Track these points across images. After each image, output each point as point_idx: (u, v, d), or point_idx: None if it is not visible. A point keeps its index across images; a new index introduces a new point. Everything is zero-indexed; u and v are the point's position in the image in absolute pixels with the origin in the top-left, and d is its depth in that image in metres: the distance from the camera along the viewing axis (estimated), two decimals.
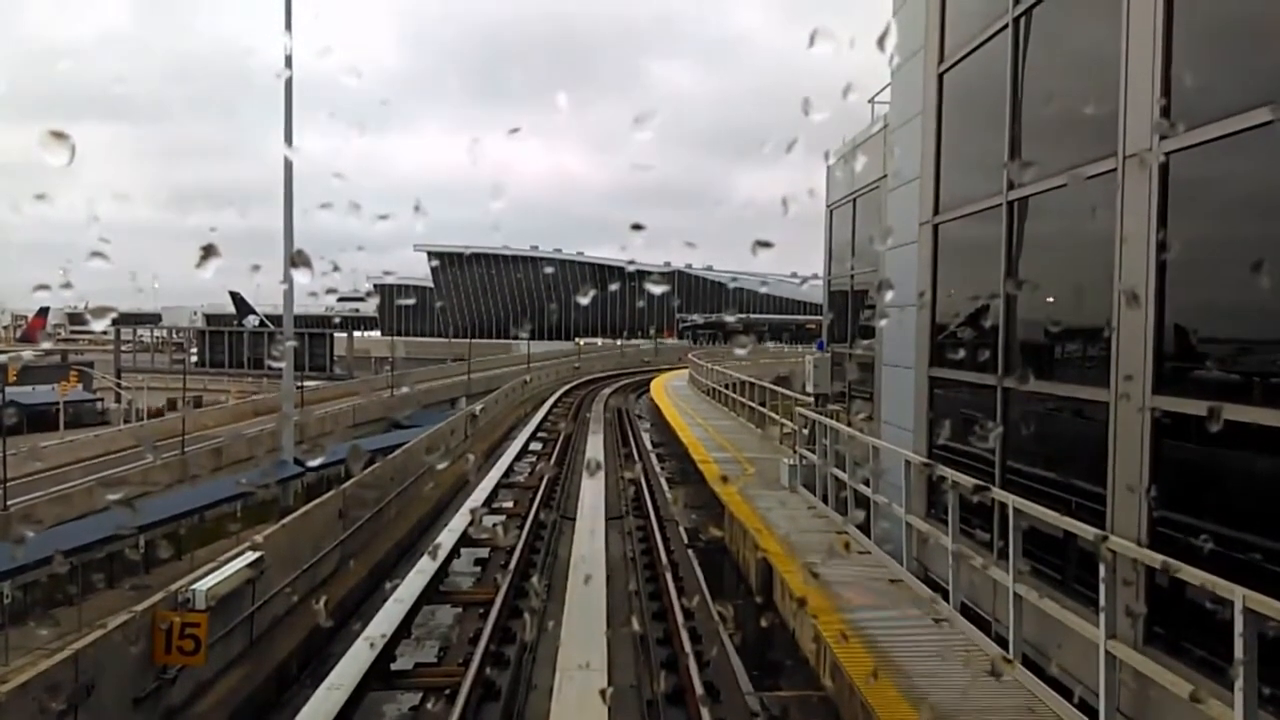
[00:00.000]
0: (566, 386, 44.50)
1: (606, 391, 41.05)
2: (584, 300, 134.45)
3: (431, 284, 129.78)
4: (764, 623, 8.91)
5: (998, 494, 6.44)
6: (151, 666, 6.52)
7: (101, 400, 71.71)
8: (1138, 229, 5.25)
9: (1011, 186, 6.99)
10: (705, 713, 7.40)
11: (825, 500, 11.07)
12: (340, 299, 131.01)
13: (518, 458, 20.83)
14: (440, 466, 16.46)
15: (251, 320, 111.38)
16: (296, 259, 3.24)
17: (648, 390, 37.57)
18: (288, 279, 33.55)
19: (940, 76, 8.66)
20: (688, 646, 8.69)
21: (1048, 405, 6.73)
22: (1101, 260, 5.64)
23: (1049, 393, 6.59)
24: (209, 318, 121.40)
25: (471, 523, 12.24)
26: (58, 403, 58.72)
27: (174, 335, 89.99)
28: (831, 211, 16.07)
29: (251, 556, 7.68)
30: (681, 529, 13.78)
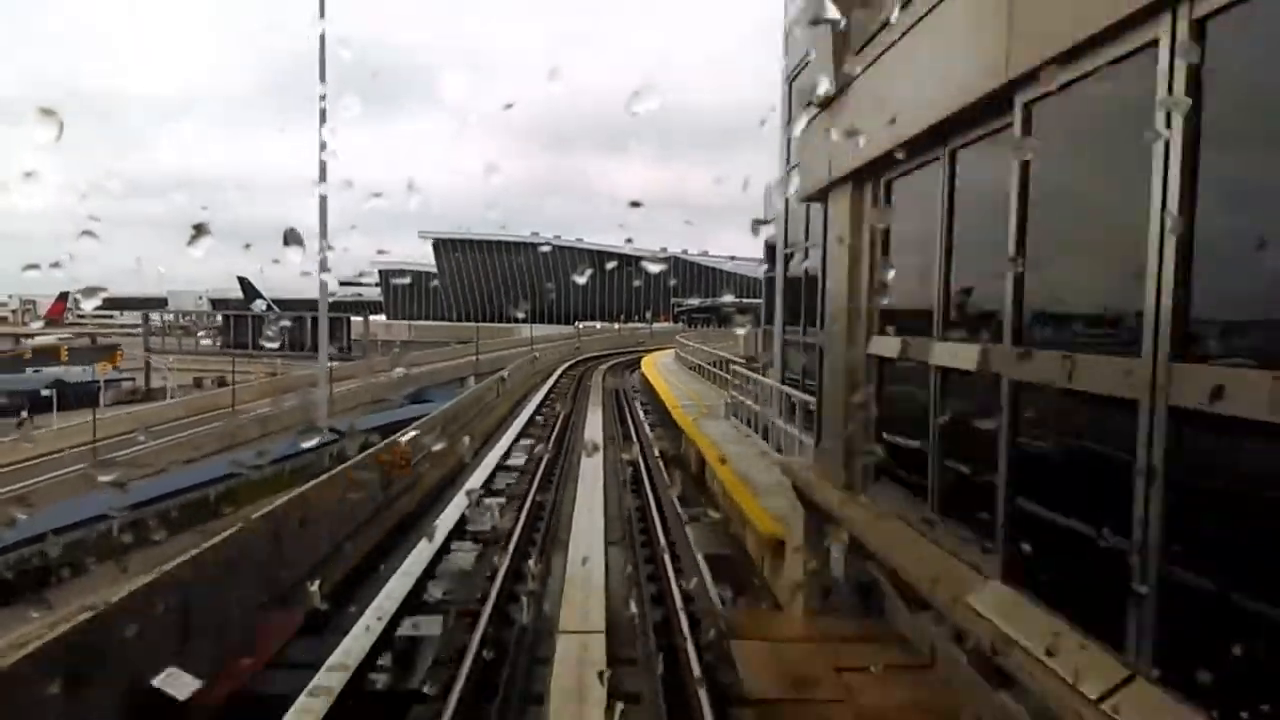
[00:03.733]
0: (569, 363, 51.20)
1: (604, 367, 47.77)
2: (581, 280, 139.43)
3: (435, 269, 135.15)
4: (695, 483, 15.74)
5: (790, 391, 13.14)
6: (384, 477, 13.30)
7: (133, 379, 78.72)
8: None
9: None
10: (657, 519, 14.18)
11: (741, 419, 17.86)
12: (342, 283, 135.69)
13: (537, 410, 27.71)
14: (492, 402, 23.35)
15: (259, 304, 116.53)
16: (288, 237, 3.25)
17: (639, 367, 44.29)
18: (323, 268, 40.38)
19: None
20: (650, 495, 15.52)
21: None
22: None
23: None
24: (214, 302, 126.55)
25: (518, 435, 19.19)
26: (98, 381, 65.86)
27: (203, 319, 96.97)
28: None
29: (414, 432, 14.39)
30: (655, 449, 20.59)
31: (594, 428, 22.59)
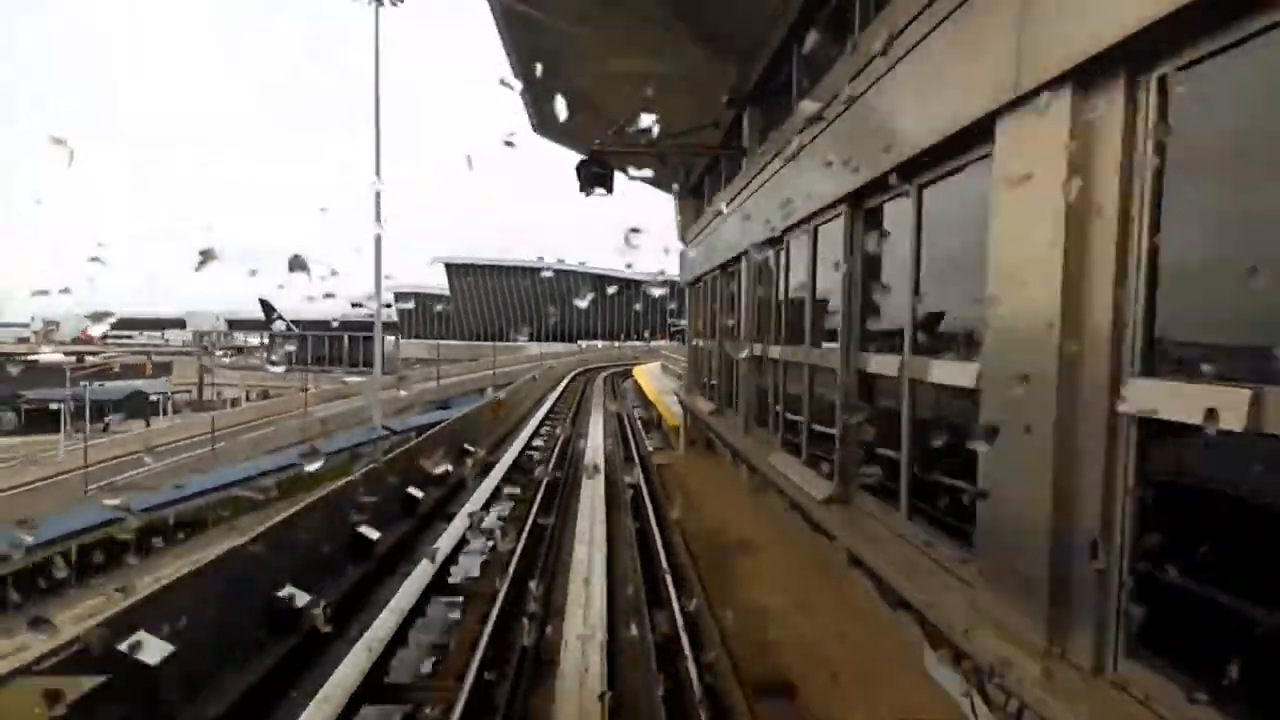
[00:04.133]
0: (575, 372, 62.88)
1: (603, 374, 59.48)
2: (582, 304, 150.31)
3: (447, 292, 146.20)
4: (655, 427, 27.36)
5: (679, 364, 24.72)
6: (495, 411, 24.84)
7: (188, 391, 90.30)
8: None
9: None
10: (634, 444, 25.76)
11: None
12: (354, 304, 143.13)
13: (557, 401, 39.38)
14: (528, 395, 34.99)
15: (279, 324, 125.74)
16: (293, 263, 3.51)
17: (631, 375, 56.05)
18: (378, 293, 52.41)
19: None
20: (629, 432, 27.20)
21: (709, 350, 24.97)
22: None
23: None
24: (230, 322, 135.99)
25: (549, 411, 30.85)
26: (167, 394, 77.61)
27: (220, 340, 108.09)
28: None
29: (502, 395, 25.98)
30: (636, 416, 32.25)
31: (599, 403, 34.53)
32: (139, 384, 78.74)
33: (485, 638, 7.62)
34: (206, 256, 3.34)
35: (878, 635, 6.60)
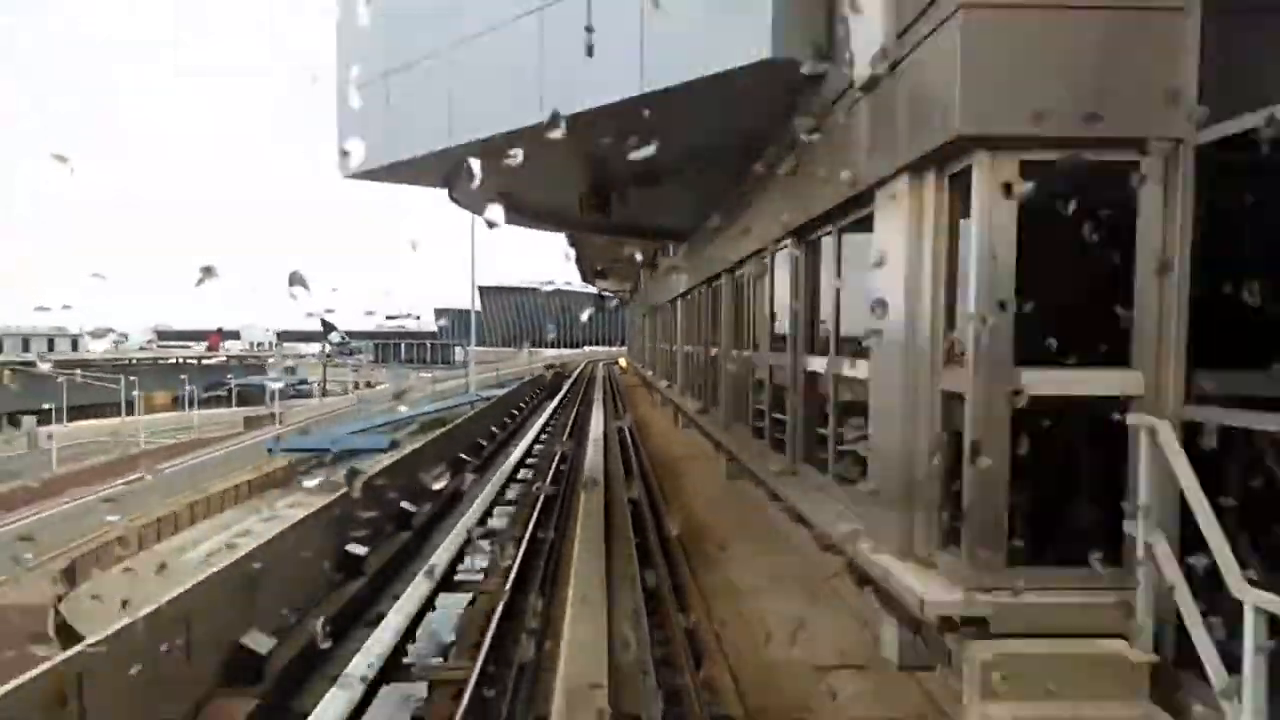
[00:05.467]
0: (585, 361, 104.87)
1: (602, 362, 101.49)
2: (583, 317, 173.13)
3: (480, 309, 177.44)
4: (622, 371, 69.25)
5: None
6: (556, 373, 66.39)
7: (310, 385, 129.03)
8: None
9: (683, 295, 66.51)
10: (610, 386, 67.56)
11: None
12: (388, 317, 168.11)
13: (575, 380, 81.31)
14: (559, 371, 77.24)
15: (334, 337, 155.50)
16: (293, 278, 3.62)
17: (617, 362, 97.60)
18: (471, 331, 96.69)
19: None
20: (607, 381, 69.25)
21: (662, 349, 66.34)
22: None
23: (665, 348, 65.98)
24: (280, 334, 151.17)
25: (576, 378, 73.04)
26: (317, 381, 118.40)
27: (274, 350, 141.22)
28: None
29: (552, 371, 67.18)
30: (615, 378, 74.14)
31: (598, 374, 76.63)
32: (294, 378, 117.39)
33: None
34: (207, 273, 3.44)
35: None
